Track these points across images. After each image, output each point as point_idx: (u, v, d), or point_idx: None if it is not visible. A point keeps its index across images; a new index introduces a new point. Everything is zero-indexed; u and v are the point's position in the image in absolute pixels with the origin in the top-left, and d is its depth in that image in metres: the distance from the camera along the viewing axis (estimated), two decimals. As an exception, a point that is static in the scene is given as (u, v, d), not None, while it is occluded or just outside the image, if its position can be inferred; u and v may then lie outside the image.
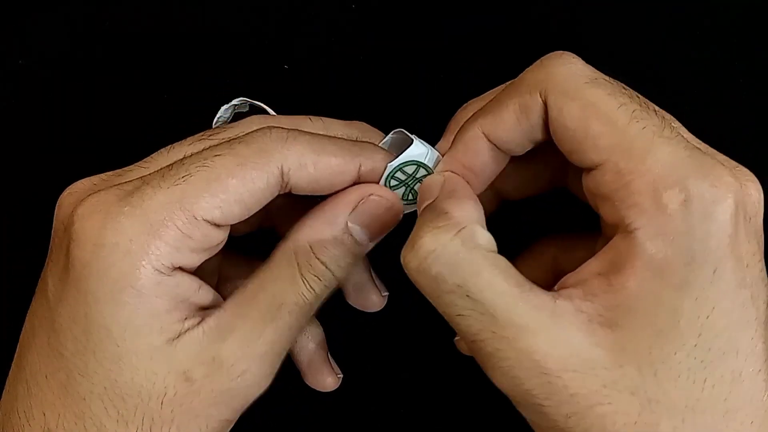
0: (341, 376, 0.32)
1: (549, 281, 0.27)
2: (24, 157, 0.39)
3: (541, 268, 0.31)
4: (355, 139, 0.29)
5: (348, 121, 0.30)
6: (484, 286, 0.23)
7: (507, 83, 0.28)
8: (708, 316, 0.23)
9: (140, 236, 0.25)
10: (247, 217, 0.27)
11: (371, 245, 0.28)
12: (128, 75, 0.39)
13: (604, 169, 0.24)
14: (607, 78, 0.25)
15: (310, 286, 0.27)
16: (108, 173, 0.28)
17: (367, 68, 0.38)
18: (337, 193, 0.28)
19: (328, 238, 0.27)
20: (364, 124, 0.30)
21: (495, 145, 0.27)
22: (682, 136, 0.24)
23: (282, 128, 0.27)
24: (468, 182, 0.28)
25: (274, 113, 0.30)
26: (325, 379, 0.32)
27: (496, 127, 0.27)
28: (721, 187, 0.23)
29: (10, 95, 0.39)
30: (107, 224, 0.25)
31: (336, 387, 0.32)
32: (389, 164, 0.28)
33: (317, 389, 0.32)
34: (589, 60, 0.26)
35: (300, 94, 0.38)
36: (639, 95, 0.25)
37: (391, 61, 0.38)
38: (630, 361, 0.23)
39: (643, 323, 0.23)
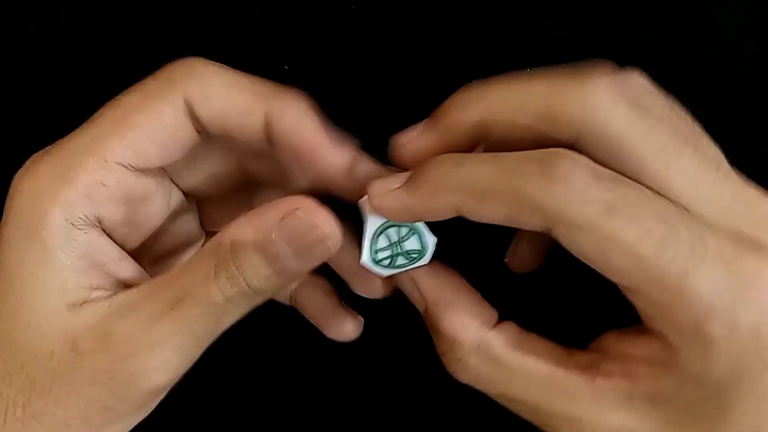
0: (362, 319, 0.31)
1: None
2: (22, 157, 0.39)
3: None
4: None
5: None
6: (520, 391, 0.24)
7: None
8: (758, 408, 0.22)
9: (51, 182, 0.24)
10: (168, 160, 0.26)
11: (300, 268, 0.25)
12: (128, 75, 0.39)
13: (636, 294, 0.23)
14: (621, 183, 0.22)
15: (220, 286, 0.24)
16: None
17: (367, 68, 0.38)
18: (273, 201, 0.25)
19: (250, 243, 0.24)
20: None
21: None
22: (714, 241, 0.22)
23: (200, 59, 0.26)
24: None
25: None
26: (345, 325, 0.31)
27: (474, 208, 0.24)
28: (765, 301, 0.22)
29: (10, 95, 0.39)
30: (27, 171, 0.25)
31: (358, 333, 0.31)
32: (372, 225, 0.26)
33: (339, 340, 0.31)
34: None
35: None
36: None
37: (391, 61, 0.38)
38: (679, 430, 0.23)
39: (688, 410, 0.23)
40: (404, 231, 0.27)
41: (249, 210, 0.31)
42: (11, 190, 0.25)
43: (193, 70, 0.26)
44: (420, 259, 0.27)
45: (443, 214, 0.24)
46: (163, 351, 0.24)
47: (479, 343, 0.25)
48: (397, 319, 0.33)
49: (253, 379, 0.36)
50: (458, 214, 0.24)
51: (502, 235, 0.31)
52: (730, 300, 0.21)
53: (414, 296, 0.27)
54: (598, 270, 0.23)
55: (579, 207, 0.22)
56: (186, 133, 0.25)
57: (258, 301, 0.26)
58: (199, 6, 0.39)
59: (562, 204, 0.22)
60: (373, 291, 0.30)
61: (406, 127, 0.29)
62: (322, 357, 0.36)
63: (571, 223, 0.22)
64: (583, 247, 0.22)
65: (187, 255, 0.30)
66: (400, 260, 0.27)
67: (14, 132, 0.39)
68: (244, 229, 0.25)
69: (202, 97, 0.25)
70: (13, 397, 0.24)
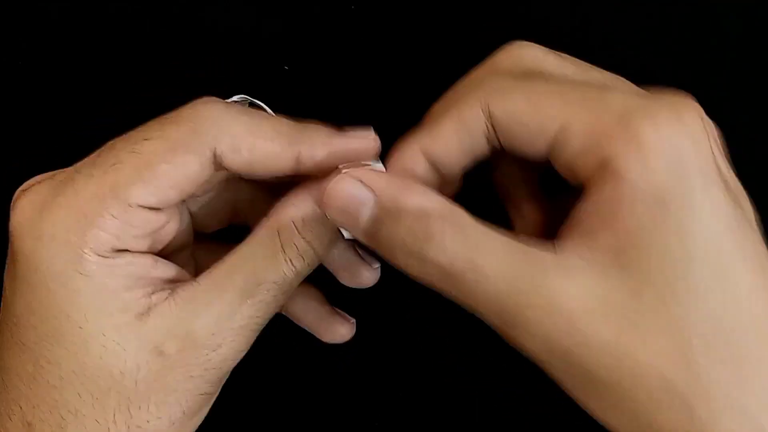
0: (354, 321, 0.32)
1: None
2: (22, 157, 0.39)
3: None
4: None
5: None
6: (487, 260, 0.23)
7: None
8: (709, 227, 0.23)
9: (77, 227, 0.25)
10: (186, 197, 0.27)
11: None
12: (128, 76, 0.39)
13: (569, 132, 0.24)
14: (544, 57, 0.26)
15: (291, 264, 0.26)
16: (59, 170, 0.27)
17: (367, 68, 0.38)
18: (325, 176, 0.27)
19: (313, 216, 0.26)
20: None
21: (434, 163, 0.26)
22: (629, 85, 0.26)
23: (218, 103, 0.27)
24: None
25: (273, 114, 0.30)
26: (339, 329, 0.32)
27: (433, 144, 0.26)
28: (683, 105, 0.23)
29: (10, 95, 0.39)
30: (43, 216, 0.25)
31: (352, 335, 0.32)
32: None
33: (335, 342, 0.32)
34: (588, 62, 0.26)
35: (300, 94, 0.38)
36: (577, 61, 0.27)
37: (391, 61, 0.38)
38: (649, 289, 0.23)
39: (650, 252, 0.23)
40: None
41: (232, 206, 0.31)
42: (19, 235, 0.25)
43: (218, 120, 0.26)
44: None
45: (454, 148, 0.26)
46: (245, 333, 0.26)
47: (447, 211, 0.24)
48: (398, 319, 0.33)
49: (253, 376, 0.36)
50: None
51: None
52: (647, 105, 0.23)
53: (360, 195, 0.25)
54: (534, 137, 0.24)
55: (502, 80, 0.25)
56: (207, 175, 0.26)
57: (313, 266, 0.27)
58: (199, 6, 0.39)
59: (491, 84, 0.25)
60: (362, 281, 0.31)
61: (406, 127, 0.29)
62: (322, 355, 0.36)
63: (498, 89, 0.25)
64: (517, 105, 0.24)
65: (181, 255, 0.30)
66: None
67: (14, 132, 0.39)
68: (301, 206, 0.27)
69: (232, 150, 0.26)
70: (112, 419, 0.25)
